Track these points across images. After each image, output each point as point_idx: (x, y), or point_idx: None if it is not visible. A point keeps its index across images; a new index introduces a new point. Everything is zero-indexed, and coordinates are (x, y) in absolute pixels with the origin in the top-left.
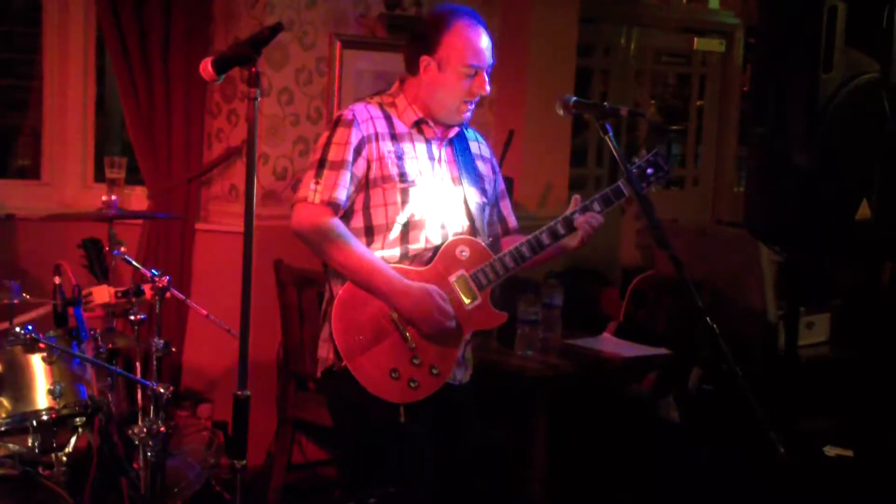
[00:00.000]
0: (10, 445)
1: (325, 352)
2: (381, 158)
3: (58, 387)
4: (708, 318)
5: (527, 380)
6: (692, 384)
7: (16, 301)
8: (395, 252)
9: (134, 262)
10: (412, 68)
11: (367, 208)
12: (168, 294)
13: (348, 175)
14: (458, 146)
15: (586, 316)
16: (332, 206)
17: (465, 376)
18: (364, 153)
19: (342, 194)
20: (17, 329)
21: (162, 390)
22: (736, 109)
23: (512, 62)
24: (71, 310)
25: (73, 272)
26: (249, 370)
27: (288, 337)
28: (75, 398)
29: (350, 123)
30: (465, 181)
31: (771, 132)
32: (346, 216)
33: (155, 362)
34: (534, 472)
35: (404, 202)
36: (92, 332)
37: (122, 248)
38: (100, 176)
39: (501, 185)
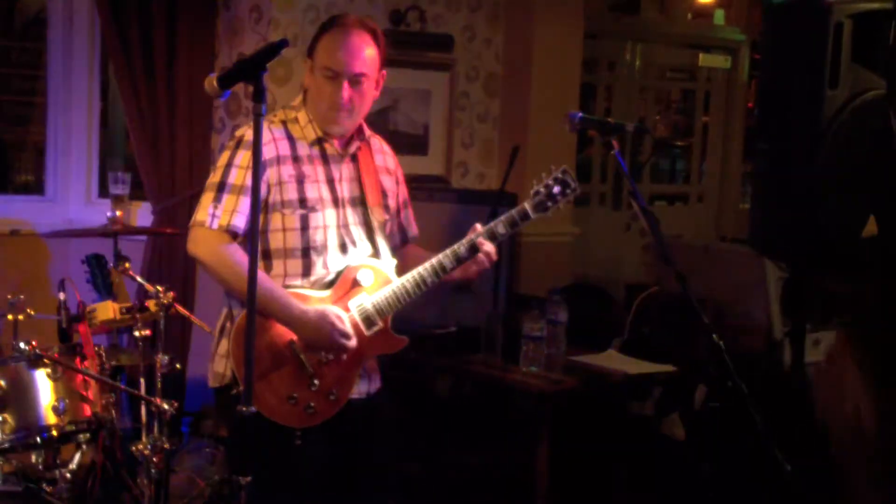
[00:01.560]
0: (14, 462)
1: (221, 367)
2: (281, 183)
3: (62, 403)
4: (713, 335)
5: (531, 396)
6: (697, 401)
7: (20, 317)
8: (296, 279)
9: (138, 278)
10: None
11: (264, 232)
12: (172, 310)
13: (248, 201)
14: (362, 161)
15: (591, 332)
16: (231, 232)
17: (372, 387)
18: (265, 177)
19: (241, 221)
20: (22, 345)
21: (166, 406)
22: (741, 125)
23: (516, 78)
24: (76, 326)
25: (77, 288)
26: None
27: None
28: (79, 415)
29: (250, 146)
30: (368, 200)
31: (775, 148)
32: (243, 239)
33: (159, 378)
34: (537, 489)
35: (304, 228)
36: (96, 349)
37: (126, 264)
38: (104, 191)
39: (404, 195)
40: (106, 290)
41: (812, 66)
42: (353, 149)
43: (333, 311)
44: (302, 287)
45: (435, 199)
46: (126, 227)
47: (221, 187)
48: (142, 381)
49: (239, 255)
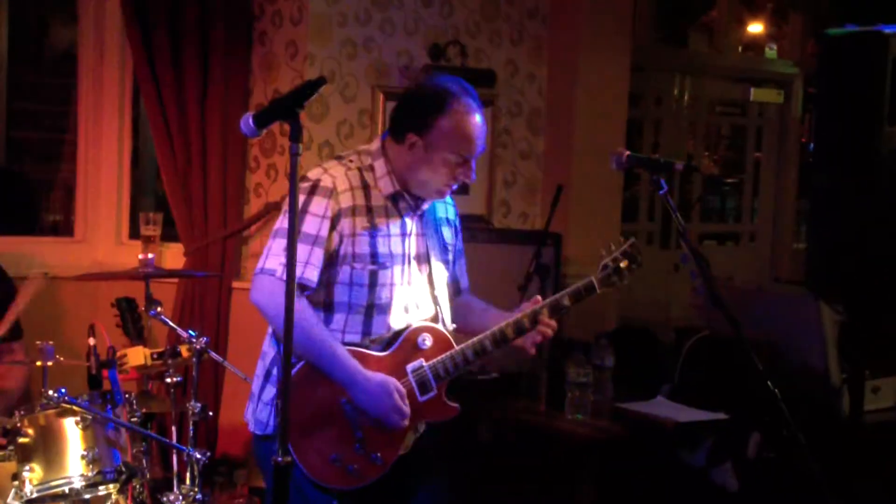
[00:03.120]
0: None
1: (265, 414)
2: (354, 235)
3: (91, 452)
4: (768, 382)
5: (576, 444)
6: (751, 451)
7: (49, 363)
8: (356, 336)
9: (170, 323)
10: (397, 136)
11: (330, 284)
12: (205, 355)
13: (322, 253)
14: (428, 215)
15: (638, 378)
16: (301, 286)
17: (416, 433)
18: (339, 227)
19: (314, 274)
20: (51, 392)
21: (198, 455)
22: (795, 162)
23: (559, 113)
24: (105, 372)
25: (107, 332)
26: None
27: None
28: (109, 464)
29: (329, 193)
30: (432, 257)
31: (831, 185)
32: (313, 291)
33: (191, 426)
34: None
35: (372, 284)
36: (126, 396)
37: (158, 308)
38: (135, 232)
39: (460, 245)
40: (136, 334)
41: (869, 101)
42: (426, 205)
43: (396, 385)
44: (360, 345)
45: (477, 240)
46: (157, 269)
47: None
48: (173, 428)
49: (308, 311)
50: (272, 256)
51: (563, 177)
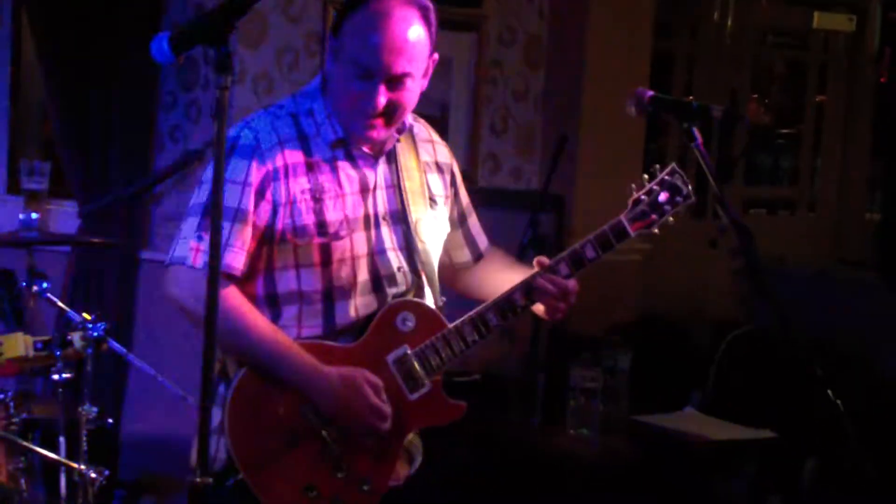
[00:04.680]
0: None
1: (212, 448)
2: (291, 202)
3: None
4: (829, 391)
5: (580, 468)
6: (806, 480)
7: None
8: (315, 329)
9: (59, 303)
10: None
11: (270, 270)
12: (104, 346)
13: (247, 230)
14: (402, 159)
15: (662, 384)
16: (224, 274)
17: (413, 467)
18: (268, 195)
19: (238, 260)
20: None
21: (93, 475)
22: (869, 109)
23: (565, 42)
24: None
25: None
26: None
27: None
28: None
29: (251, 153)
30: (412, 213)
31: None
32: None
33: (84, 437)
34: None
35: (325, 263)
36: (1, 396)
37: (44, 284)
38: (14, 186)
39: (465, 199)
40: (15, 318)
41: None
42: (389, 145)
43: (366, 377)
44: (322, 338)
45: None
46: (44, 233)
47: (208, 211)
48: (62, 440)
49: (236, 299)
50: (181, 241)
51: (567, 123)
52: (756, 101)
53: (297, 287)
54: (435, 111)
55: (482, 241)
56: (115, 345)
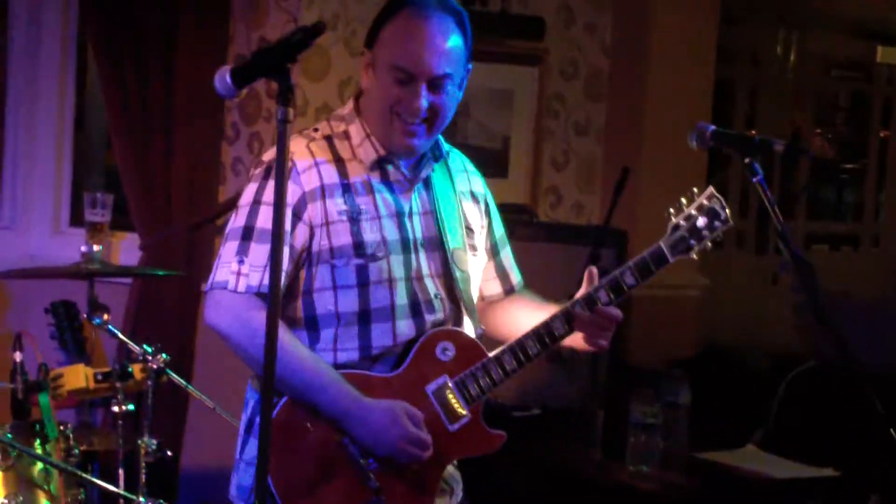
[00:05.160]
0: None
1: (250, 479)
2: (328, 223)
3: (14, 500)
4: (891, 428)
5: (640, 503)
6: None
7: None
8: (352, 354)
9: (120, 335)
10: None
11: (308, 292)
12: (164, 377)
13: (286, 252)
14: (438, 187)
15: (723, 420)
16: (264, 296)
17: (454, 500)
18: (305, 217)
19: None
20: None
21: None
22: None
23: (627, 75)
24: (35, 397)
25: (38, 346)
26: None
27: None
28: None
29: (287, 174)
30: (448, 241)
31: None
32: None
33: (143, 469)
34: None
35: (362, 283)
36: (62, 428)
37: (105, 316)
38: (77, 218)
39: (500, 231)
40: (76, 349)
41: None
42: (425, 172)
43: (405, 409)
44: (361, 364)
45: (516, 237)
46: (105, 265)
47: (247, 234)
48: (121, 472)
49: (280, 331)
50: (222, 266)
51: (629, 157)
52: (819, 134)
53: (335, 308)
54: (496, 144)
55: (514, 275)
56: (175, 376)
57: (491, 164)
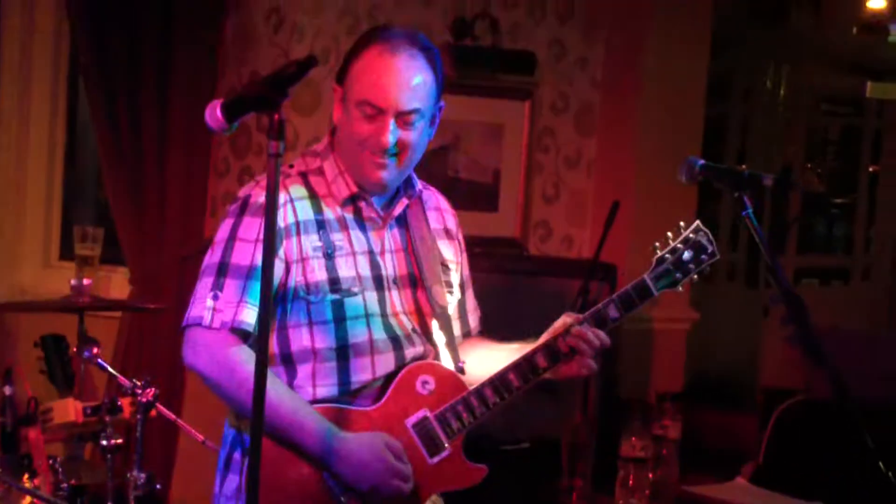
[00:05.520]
0: None
1: None
2: (304, 260)
3: None
4: (880, 463)
5: None
6: None
7: None
8: (331, 389)
9: (109, 368)
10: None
11: (283, 328)
12: (154, 412)
13: (259, 286)
14: (414, 223)
15: (713, 454)
16: (239, 332)
17: None
18: (281, 252)
19: (250, 315)
20: None
21: None
22: None
23: (617, 109)
24: (24, 430)
25: (28, 379)
26: None
27: None
28: None
29: (262, 210)
30: (426, 278)
31: None
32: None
33: (133, 503)
34: None
35: (338, 319)
36: (51, 462)
37: (95, 349)
38: (67, 252)
39: (467, 271)
40: (66, 382)
41: None
42: (398, 209)
43: (386, 441)
44: (340, 399)
45: (506, 270)
46: (95, 299)
47: (222, 270)
48: None
49: (250, 364)
50: (197, 302)
51: (620, 191)
52: (810, 168)
53: (311, 345)
54: (486, 178)
55: (474, 319)
56: (165, 411)
57: (481, 197)
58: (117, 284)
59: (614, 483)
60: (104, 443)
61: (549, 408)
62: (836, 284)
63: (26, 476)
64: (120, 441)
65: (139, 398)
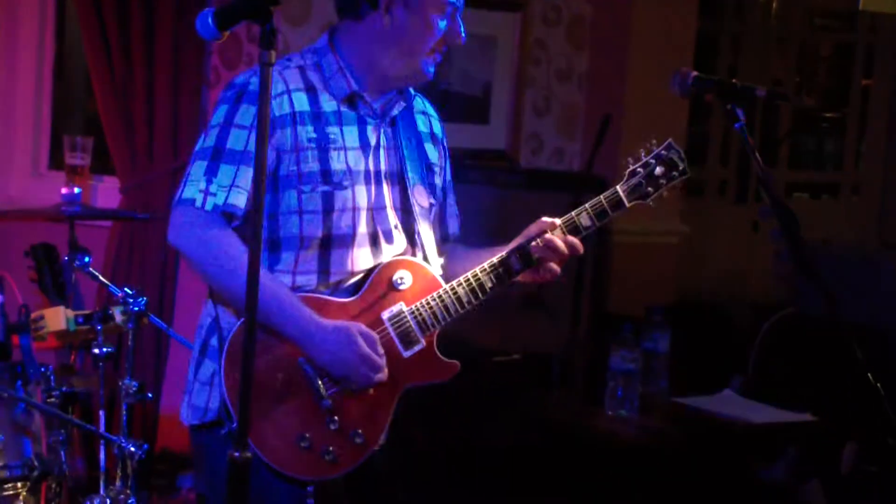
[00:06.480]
0: None
1: (203, 398)
2: (297, 150)
3: None
4: (869, 375)
5: (619, 450)
6: (846, 463)
7: None
8: (311, 277)
9: (101, 277)
10: (355, 13)
11: (273, 215)
12: (145, 320)
13: (251, 172)
14: (403, 124)
15: (702, 366)
16: (227, 214)
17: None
18: (275, 141)
19: (240, 199)
20: None
21: (133, 449)
22: None
23: (609, 22)
24: (15, 338)
25: (19, 288)
26: None
27: None
28: (17, 456)
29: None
30: (410, 177)
31: None
32: (242, 223)
33: (124, 411)
34: None
35: (327, 210)
36: (43, 370)
37: (86, 258)
38: (57, 161)
39: (449, 176)
40: (57, 291)
41: None
42: (395, 110)
43: (360, 329)
44: (318, 289)
45: (497, 183)
46: (86, 208)
47: (217, 154)
48: (101, 413)
49: (236, 246)
50: (191, 183)
51: (611, 104)
52: (801, 83)
53: (299, 232)
54: (477, 91)
55: (454, 223)
56: (156, 319)
57: (472, 110)
58: (108, 194)
59: (604, 395)
60: (96, 351)
61: (540, 321)
62: (827, 199)
63: (18, 383)
64: (111, 350)
65: (130, 307)
